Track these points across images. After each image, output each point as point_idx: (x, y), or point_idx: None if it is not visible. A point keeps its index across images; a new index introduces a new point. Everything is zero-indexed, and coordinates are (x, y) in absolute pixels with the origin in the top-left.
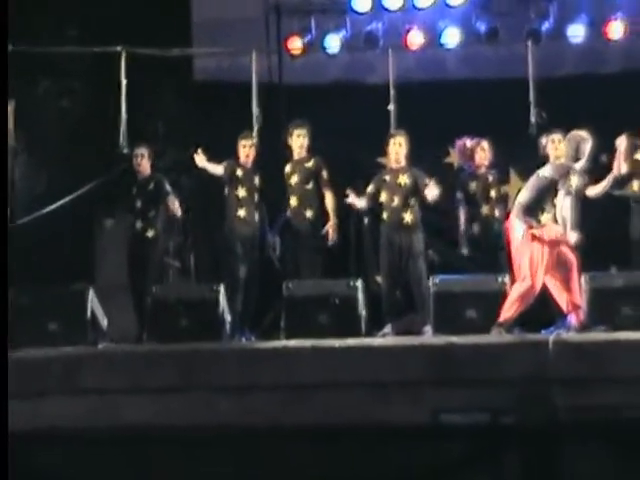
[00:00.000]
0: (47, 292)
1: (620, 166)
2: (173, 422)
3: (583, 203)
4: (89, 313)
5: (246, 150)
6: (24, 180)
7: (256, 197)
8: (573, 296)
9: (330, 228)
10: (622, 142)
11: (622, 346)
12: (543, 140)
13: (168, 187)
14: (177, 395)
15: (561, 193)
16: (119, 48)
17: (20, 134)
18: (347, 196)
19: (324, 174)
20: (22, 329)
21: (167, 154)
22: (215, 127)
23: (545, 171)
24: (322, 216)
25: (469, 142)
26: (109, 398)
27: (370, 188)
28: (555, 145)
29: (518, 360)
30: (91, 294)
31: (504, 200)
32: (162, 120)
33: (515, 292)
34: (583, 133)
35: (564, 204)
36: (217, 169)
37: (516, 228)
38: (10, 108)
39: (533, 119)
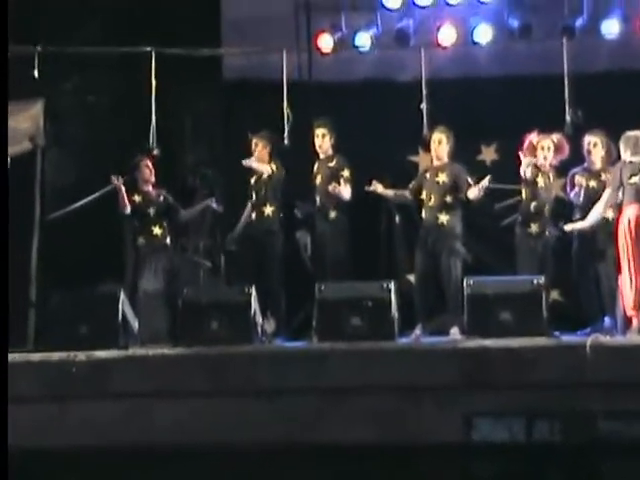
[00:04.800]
0: (77, 294)
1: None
2: (204, 428)
3: None
4: (120, 316)
5: (259, 148)
6: (54, 176)
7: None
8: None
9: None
10: None
11: None
12: (585, 141)
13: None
14: (208, 400)
15: None
16: (149, 49)
17: (50, 130)
18: (370, 184)
19: (345, 173)
20: (51, 331)
21: (194, 153)
22: (244, 125)
23: None
24: (347, 215)
25: (535, 137)
26: (140, 402)
27: (412, 184)
28: (589, 147)
29: (554, 364)
30: (122, 296)
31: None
32: (191, 119)
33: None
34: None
35: None
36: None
37: (629, 212)
38: (39, 106)
39: (569, 118)
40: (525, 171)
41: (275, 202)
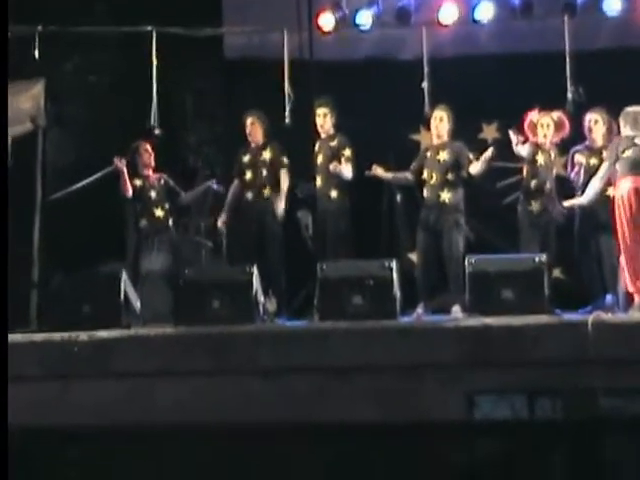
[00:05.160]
0: (80, 274)
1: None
2: (205, 407)
3: None
4: (122, 296)
5: (255, 127)
6: (55, 156)
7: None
8: None
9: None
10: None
11: None
12: (586, 119)
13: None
14: (210, 379)
15: None
16: (150, 28)
17: (51, 111)
18: (370, 169)
19: (346, 152)
20: (54, 312)
21: (195, 132)
22: (245, 105)
23: None
24: (348, 195)
25: (536, 115)
26: (142, 382)
27: (413, 164)
28: (590, 125)
29: (556, 341)
30: (124, 276)
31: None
32: (192, 98)
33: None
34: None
35: None
36: None
37: (623, 186)
38: (40, 86)
39: (570, 95)
40: (519, 150)
41: (275, 183)
